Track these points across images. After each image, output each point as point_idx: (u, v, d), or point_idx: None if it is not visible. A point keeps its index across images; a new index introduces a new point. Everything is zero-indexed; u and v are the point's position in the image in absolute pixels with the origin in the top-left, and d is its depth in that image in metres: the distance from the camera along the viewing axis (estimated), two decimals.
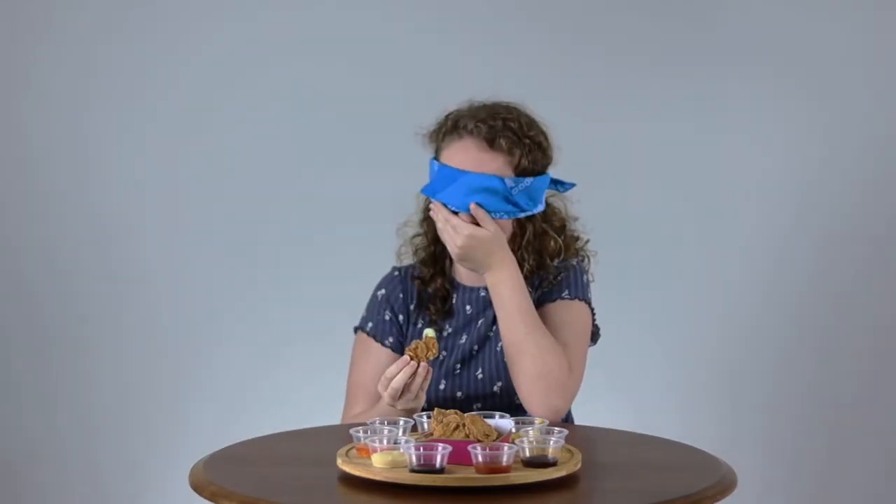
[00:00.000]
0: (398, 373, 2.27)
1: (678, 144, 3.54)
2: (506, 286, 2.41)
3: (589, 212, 2.62)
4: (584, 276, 2.54)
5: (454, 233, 2.40)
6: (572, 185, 2.56)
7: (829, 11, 3.51)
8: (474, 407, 2.48)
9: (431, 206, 2.44)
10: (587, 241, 2.60)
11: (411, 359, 2.26)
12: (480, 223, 2.40)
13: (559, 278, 2.51)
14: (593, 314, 2.54)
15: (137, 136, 3.55)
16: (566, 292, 2.49)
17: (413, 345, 2.27)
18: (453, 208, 2.44)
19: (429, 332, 2.29)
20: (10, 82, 3.54)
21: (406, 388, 2.27)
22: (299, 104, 3.55)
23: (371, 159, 3.54)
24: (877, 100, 3.51)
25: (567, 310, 2.49)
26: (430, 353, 2.26)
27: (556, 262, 2.54)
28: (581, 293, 2.50)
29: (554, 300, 2.49)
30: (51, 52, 3.53)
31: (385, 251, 2.69)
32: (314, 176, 3.56)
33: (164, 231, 3.57)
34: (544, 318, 2.45)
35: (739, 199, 3.56)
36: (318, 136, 3.55)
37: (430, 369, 2.29)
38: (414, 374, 2.27)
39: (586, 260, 2.59)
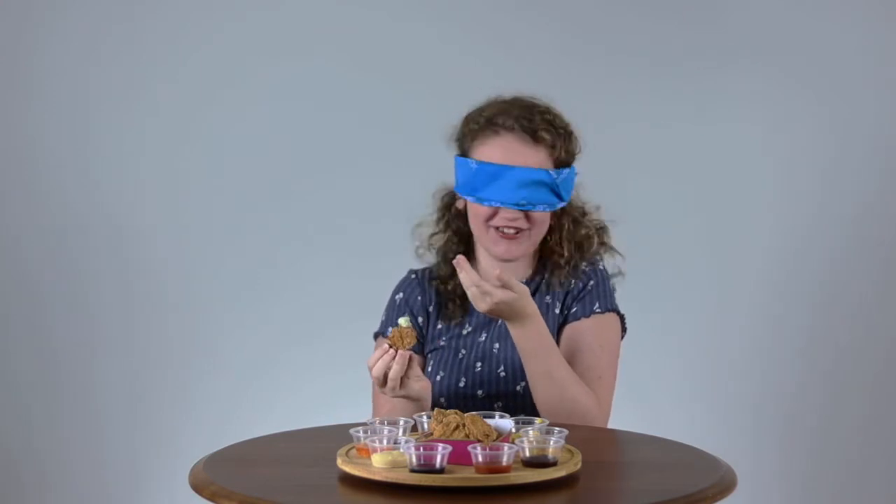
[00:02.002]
0: (377, 362, 2.28)
1: (682, 145, 3.54)
2: (532, 342, 2.37)
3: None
4: (609, 282, 2.55)
5: (483, 296, 2.31)
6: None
7: (835, 10, 3.51)
8: (495, 406, 2.47)
9: (456, 263, 2.32)
10: (606, 229, 2.59)
11: (390, 346, 2.27)
12: (508, 286, 2.30)
13: (589, 287, 2.51)
14: (621, 317, 2.55)
15: (138, 136, 3.55)
16: (597, 305, 2.51)
17: (391, 333, 2.28)
18: (499, 204, 2.44)
19: (402, 322, 2.29)
20: (12, 82, 3.54)
21: (386, 377, 2.28)
22: (299, 103, 3.55)
23: (370, 159, 3.54)
24: (883, 98, 3.51)
25: (601, 329, 2.50)
26: (405, 341, 2.27)
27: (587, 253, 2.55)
28: (610, 302, 2.53)
29: (588, 315, 2.50)
30: (51, 52, 3.53)
31: (385, 250, 2.70)
32: (313, 176, 3.56)
33: (166, 230, 3.58)
34: (579, 337, 2.48)
35: (747, 199, 3.56)
36: (315, 135, 3.55)
37: (414, 356, 2.31)
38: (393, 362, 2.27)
39: (602, 256, 2.58)
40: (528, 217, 2.46)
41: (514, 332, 2.37)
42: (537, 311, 2.36)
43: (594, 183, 2.61)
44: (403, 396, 2.31)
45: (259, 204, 3.57)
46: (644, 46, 3.54)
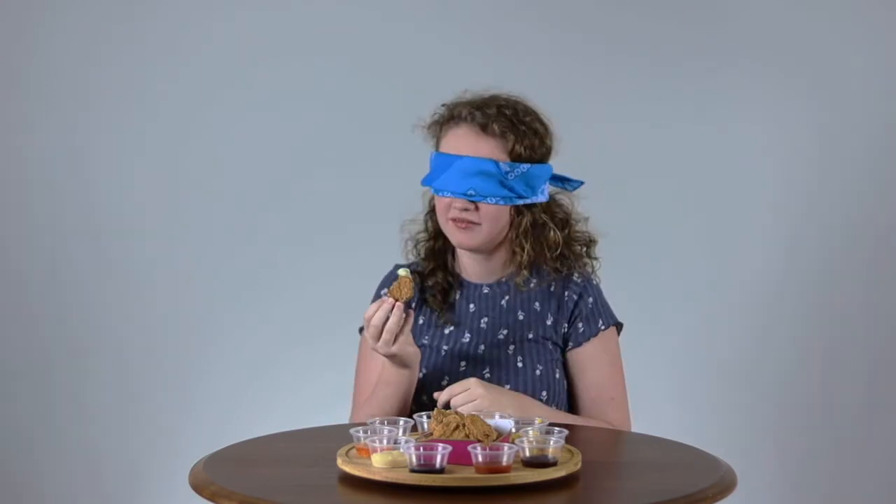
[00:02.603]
0: (377, 311, 2.30)
1: (682, 145, 3.54)
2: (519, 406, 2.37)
3: (593, 211, 2.61)
4: (602, 294, 2.55)
5: (469, 394, 2.32)
6: (580, 182, 2.55)
7: (835, 10, 3.51)
8: None
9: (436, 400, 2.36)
10: (595, 243, 2.58)
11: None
12: (461, 388, 2.33)
13: (589, 306, 2.51)
14: (618, 325, 2.56)
15: (137, 136, 3.55)
16: (601, 322, 2.52)
17: (392, 286, 2.32)
18: (449, 194, 2.44)
19: (401, 273, 2.31)
20: (12, 82, 3.54)
21: (385, 328, 2.30)
22: (299, 103, 3.55)
23: (370, 159, 3.54)
24: (882, 99, 3.51)
25: (606, 345, 2.52)
26: (404, 291, 2.29)
27: (560, 264, 2.53)
28: (611, 316, 2.54)
29: (596, 334, 2.51)
30: (51, 52, 3.53)
31: (385, 250, 2.69)
32: (313, 176, 3.56)
33: (165, 231, 3.57)
34: (591, 361, 2.49)
35: (746, 199, 3.56)
36: (315, 135, 3.55)
37: (411, 312, 2.33)
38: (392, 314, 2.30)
39: (592, 268, 2.58)
40: (477, 209, 2.45)
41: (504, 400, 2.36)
42: (496, 387, 2.38)
43: (594, 183, 2.60)
44: (394, 356, 2.33)
45: (259, 204, 3.57)
46: (644, 46, 3.54)
